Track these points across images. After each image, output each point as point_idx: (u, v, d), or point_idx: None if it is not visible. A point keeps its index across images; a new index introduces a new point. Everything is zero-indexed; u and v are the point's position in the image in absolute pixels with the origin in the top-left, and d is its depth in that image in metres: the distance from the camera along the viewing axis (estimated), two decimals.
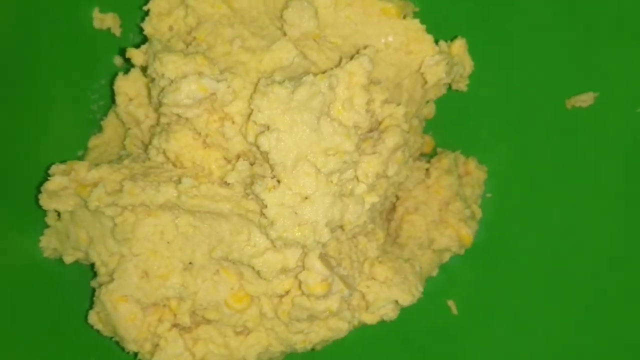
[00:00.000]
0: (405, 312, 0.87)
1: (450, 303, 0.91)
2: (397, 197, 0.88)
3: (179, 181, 0.67)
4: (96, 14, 0.79)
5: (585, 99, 0.82)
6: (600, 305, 0.84)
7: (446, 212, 0.87)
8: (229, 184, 0.68)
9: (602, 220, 0.85)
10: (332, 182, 0.65)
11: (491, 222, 0.92)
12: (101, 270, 0.72)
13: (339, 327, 0.73)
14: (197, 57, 0.66)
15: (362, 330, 0.88)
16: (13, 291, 0.75)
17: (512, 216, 0.91)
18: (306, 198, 0.65)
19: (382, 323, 0.88)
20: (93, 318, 0.73)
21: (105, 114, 0.83)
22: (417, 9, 0.83)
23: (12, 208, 0.76)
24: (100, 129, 0.83)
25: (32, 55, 0.77)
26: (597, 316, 0.84)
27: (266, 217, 0.64)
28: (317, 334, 0.73)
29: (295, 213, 0.64)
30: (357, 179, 0.69)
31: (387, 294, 0.74)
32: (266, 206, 0.64)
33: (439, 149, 0.94)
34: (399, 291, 0.74)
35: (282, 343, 0.74)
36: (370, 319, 0.75)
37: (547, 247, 0.89)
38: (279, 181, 0.65)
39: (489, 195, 0.93)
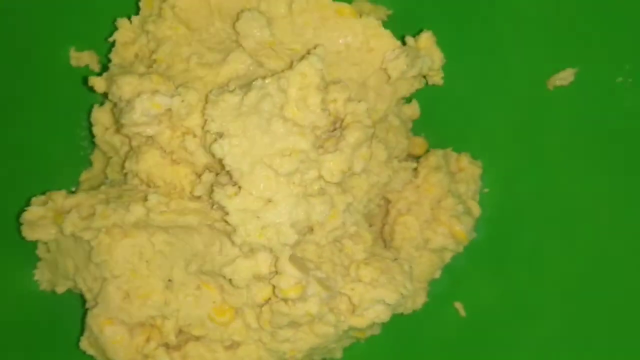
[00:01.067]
0: (411, 317, 0.85)
1: (458, 305, 0.88)
2: (389, 201, 0.87)
3: (147, 199, 0.69)
4: (72, 53, 0.82)
5: (565, 77, 0.79)
6: (612, 302, 0.80)
7: (438, 210, 0.85)
8: (198, 197, 0.69)
9: (607, 204, 0.81)
10: (294, 183, 0.65)
11: (492, 218, 0.89)
12: (88, 295, 0.74)
13: (325, 333, 0.72)
14: (152, 76, 0.68)
15: (371, 341, 0.86)
16: (12, 326, 0.78)
17: (514, 210, 0.88)
18: (269, 201, 0.65)
19: (391, 330, 0.86)
20: (84, 343, 0.74)
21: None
22: (389, 12, 0.83)
23: (9, 245, 0.79)
24: (90, 163, 0.86)
25: (16, 98, 0.81)
26: (609, 313, 0.80)
27: (229, 224, 0.65)
28: (305, 341, 0.72)
29: (258, 217, 0.64)
30: (323, 178, 0.68)
31: (372, 294, 0.72)
32: (228, 213, 0.64)
33: (431, 150, 0.92)
34: (385, 290, 0.72)
35: (272, 354, 0.73)
36: (359, 322, 0.74)
37: (553, 240, 0.85)
38: (239, 188, 0.65)
39: (486, 190, 0.90)
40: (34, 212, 0.72)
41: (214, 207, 0.67)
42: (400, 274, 0.76)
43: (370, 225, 0.84)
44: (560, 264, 0.84)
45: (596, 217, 0.81)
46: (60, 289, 0.78)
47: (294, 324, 0.70)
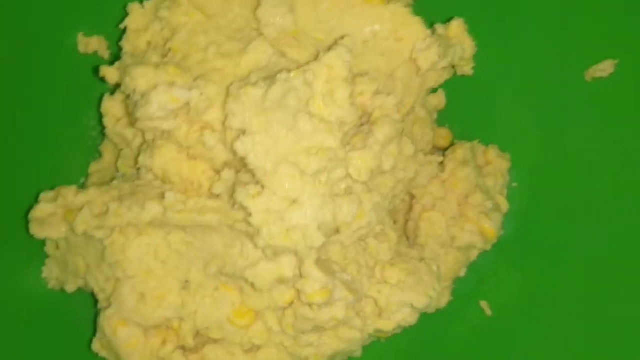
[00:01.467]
0: (436, 316, 0.82)
1: (483, 304, 0.84)
2: (413, 196, 0.83)
3: (164, 197, 0.65)
4: (80, 38, 0.78)
5: (604, 68, 0.75)
6: None
7: (466, 206, 0.81)
8: (217, 195, 0.65)
9: None
10: (320, 182, 0.62)
11: (520, 213, 0.85)
12: (100, 296, 0.71)
13: (351, 337, 0.68)
14: (168, 67, 0.64)
15: (394, 339, 0.83)
16: (20, 324, 0.75)
17: (543, 206, 0.84)
18: (294, 202, 0.61)
19: (413, 330, 0.83)
20: (96, 345, 0.71)
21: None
22: None
23: (16, 241, 0.76)
24: (100, 154, 0.82)
25: (22, 85, 0.77)
26: None
27: (252, 226, 0.61)
28: (330, 346, 0.69)
29: (283, 218, 0.61)
30: (351, 177, 0.65)
31: (399, 297, 0.69)
32: (250, 214, 0.61)
33: (456, 142, 0.88)
34: (413, 293, 0.69)
35: (294, 358, 0.70)
36: (385, 325, 0.70)
37: (584, 238, 0.81)
38: (263, 187, 0.61)
39: (514, 184, 0.86)
40: (43, 209, 0.69)
41: (235, 207, 0.63)
42: (428, 274, 0.72)
43: (394, 222, 0.81)
44: (592, 262, 0.81)
45: (630, 215, 0.78)
46: (70, 288, 0.74)
47: (318, 329, 0.66)
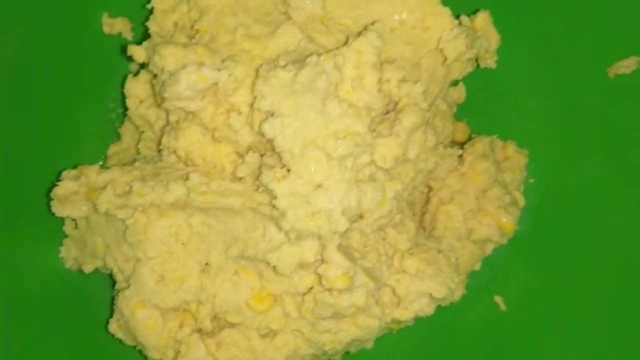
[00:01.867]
0: (450, 310, 0.82)
1: (498, 299, 0.84)
2: (431, 188, 0.83)
3: (187, 178, 0.65)
4: (105, 19, 0.78)
5: (627, 65, 0.75)
6: None
7: (484, 199, 0.81)
8: (240, 178, 0.65)
9: None
10: (346, 167, 0.61)
11: (536, 209, 0.85)
12: (118, 276, 0.70)
13: (369, 325, 0.68)
14: (197, 47, 0.63)
15: (406, 331, 0.83)
16: (36, 303, 0.74)
17: (559, 202, 0.85)
18: (319, 186, 0.61)
19: (426, 323, 0.83)
20: (113, 326, 0.71)
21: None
22: None
23: (34, 220, 0.76)
24: (119, 136, 0.82)
25: (44, 66, 0.77)
26: None
27: (277, 209, 0.61)
28: (347, 333, 0.69)
29: (308, 202, 0.60)
30: (375, 164, 0.64)
31: (418, 287, 0.69)
32: (276, 197, 0.60)
33: (474, 136, 0.88)
34: (432, 283, 0.69)
35: (311, 345, 0.70)
36: (403, 315, 0.70)
37: (600, 235, 0.81)
38: (288, 170, 0.61)
39: (531, 180, 0.86)
40: (65, 187, 0.68)
41: (260, 189, 0.63)
42: (447, 265, 0.72)
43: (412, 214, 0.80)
44: (608, 260, 0.81)
45: None
46: (87, 268, 0.74)
47: (337, 315, 0.66)
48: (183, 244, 0.67)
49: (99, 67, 0.80)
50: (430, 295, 0.69)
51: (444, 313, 0.82)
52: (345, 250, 0.65)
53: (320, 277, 0.65)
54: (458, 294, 0.82)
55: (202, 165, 0.68)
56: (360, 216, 0.65)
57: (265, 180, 0.61)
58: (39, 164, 0.79)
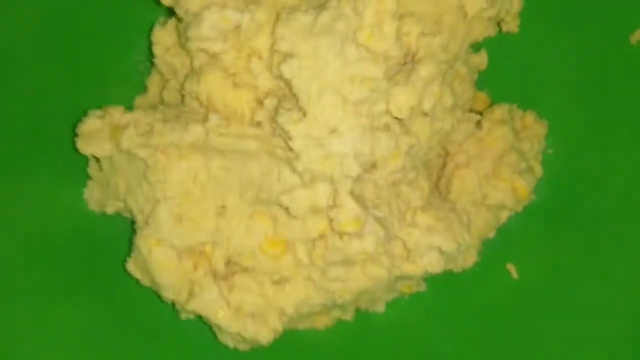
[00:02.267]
0: (460, 276, 0.82)
1: (510, 267, 0.85)
2: (447, 153, 0.84)
3: (207, 120, 0.67)
4: None
5: None
6: None
7: (500, 165, 0.82)
8: (258, 123, 0.67)
9: None
10: (361, 113, 0.63)
11: (553, 180, 0.85)
12: (138, 217, 0.72)
13: (377, 275, 0.69)
14: None
15: (416, 298, 0.83)
16: (57, 243, 0.77)
17: (577, 175, 0.85)
18: (334, 130, 0.63)
19: (437, 290, 0.84)
20: (131, 265, 0.73)
21: None
22: None
23: (59, 161, 0.78)
24: (145, 88, 0.84)
25: (73, 17, 0.79)
26: None
27: (292, 150, 0.62)
28: (356, 282, 0.70)
29: (322, 145, 0.62)
30: (390, 114, 0.66)
31: (428, 240, 0.70)
32: (291, 138, 0.62)
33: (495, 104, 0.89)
34: (442, 238, 0.70)
35: (321, 293, 0.71)
36: (412, 269, 0.71)
37: (615, 210, 0.81)
38: (304, 114, 0.63)
39: (550, 151, 0.86)
40: (90, 123, 0.71)
41: (276, 132, 0.65)
42: (458, 223, 0.73)
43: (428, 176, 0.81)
44: (621, 236, 0.81)
45: None
46: (109, 210, 0.76)
47: (347, 262, 0.67)
48: (201, 186, 0.69)
49: (128, 16, 0.82)
50: (440, 249, 0.70)
51: (456, 279, 0.82)
52: (357, 197, 0.66)
53: (331, 222, 0.66)
54: (470, 260, 0.83)
55: (223, 110, 0.69)
56: (374, 165, 0.66)
57: (281, 121, 0.62)
58: (67, 112, 0.81)
